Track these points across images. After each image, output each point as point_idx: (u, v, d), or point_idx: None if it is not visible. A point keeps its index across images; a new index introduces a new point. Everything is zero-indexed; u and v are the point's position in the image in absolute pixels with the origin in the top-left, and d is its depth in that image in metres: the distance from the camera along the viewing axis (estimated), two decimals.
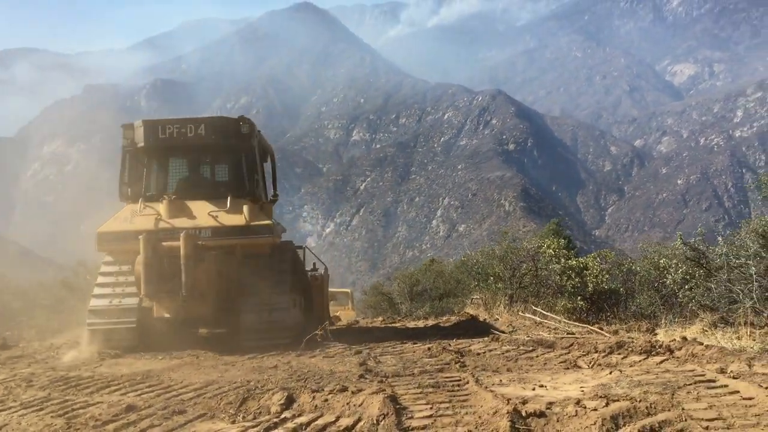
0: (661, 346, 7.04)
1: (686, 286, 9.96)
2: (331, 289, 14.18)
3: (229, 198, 9.74)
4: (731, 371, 5.76)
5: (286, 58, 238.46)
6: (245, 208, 9.65)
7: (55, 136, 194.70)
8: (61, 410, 6.18)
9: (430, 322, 12.37)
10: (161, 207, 9.72)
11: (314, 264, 13.11)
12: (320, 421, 5.35)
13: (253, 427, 5.38)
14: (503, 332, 9.53)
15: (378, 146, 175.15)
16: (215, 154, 10.74)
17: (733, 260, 9.36)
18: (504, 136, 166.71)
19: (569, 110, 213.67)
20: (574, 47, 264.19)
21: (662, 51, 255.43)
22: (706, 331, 8.61)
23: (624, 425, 4.64)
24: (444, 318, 12.85)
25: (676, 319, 10.03)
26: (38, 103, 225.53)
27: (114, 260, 9.79)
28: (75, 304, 13.50)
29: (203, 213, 9.69)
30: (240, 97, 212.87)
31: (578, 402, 5.13)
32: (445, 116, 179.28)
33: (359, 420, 5.27)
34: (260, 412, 5.73)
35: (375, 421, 5.14)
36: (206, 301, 9.28)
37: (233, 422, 5.58)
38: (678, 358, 6.70)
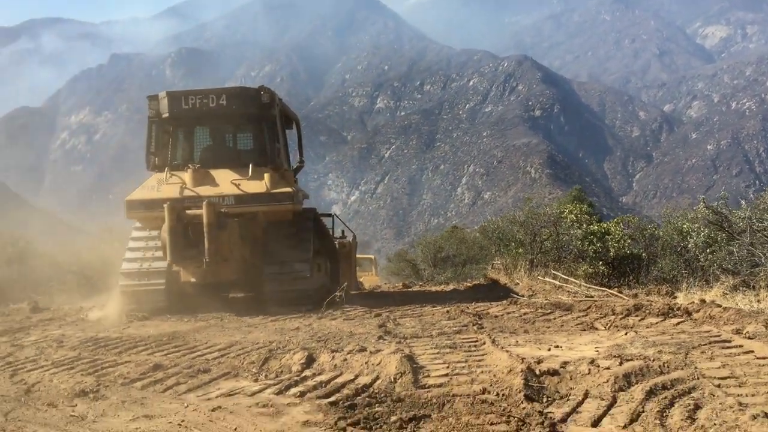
0: (678, 309, 7.07)
1: (708, 250, 9.91)
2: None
3: (251, 166, 10.00)
4: (747, 332, 5.79)
5: (310, 25, 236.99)
6: (266, 175, 9.91)
7: (82, 106, 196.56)
8: (91, 369, 6.42)
9: (451, 287, 12.50)
10: (186, 176, 10.03)
11: (342, 231, 13.54)
12: (339, 380, 5.51)
13: (275, 385, 5.55)
14: (522, 296, 9.62)
15: (402, 114, 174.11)
16: (237, 123, 11.02)
17: (756, 224, 9.29)
18: (530, 103, 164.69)
19: (597, 75, 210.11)
20: (603, 10, 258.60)
21: (693, 13, 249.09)
22: (727, 294, 8.61)
23: (636, 383, 4.71)
24: (465, 283, 12.98)
25: (697, 283, 10.02)
26: (65, 73, 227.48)
27: (143, 226, 10.16)
28: (102, 270, 13.81)
29: (226, 181, 9.97)
30: (264, 65, 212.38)
31: (592, 361, 5.22)
32: (471, 83, 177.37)
33: (377, 378, 5.41)
34: (281, 371, 5.90)
35: (392, 379, 5.27)
36: (230, 266, 9.55)
37: (255, 380, 5.76)
38: (695, 320, 6.74)
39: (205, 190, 9.83)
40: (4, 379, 6.22)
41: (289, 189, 10.07)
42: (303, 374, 5.68)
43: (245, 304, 9.93)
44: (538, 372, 4.95)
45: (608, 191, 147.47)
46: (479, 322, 7.30)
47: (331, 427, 4.51)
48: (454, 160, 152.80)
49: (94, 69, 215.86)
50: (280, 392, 5.32)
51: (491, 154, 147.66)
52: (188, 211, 9.32)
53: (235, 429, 4.60)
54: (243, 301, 10.12)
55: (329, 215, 13.58)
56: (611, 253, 12.06)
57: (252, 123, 10.87)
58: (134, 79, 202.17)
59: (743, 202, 10.17)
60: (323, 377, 5.57)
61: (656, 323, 6.69)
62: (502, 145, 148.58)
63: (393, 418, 4.53)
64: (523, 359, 5.22)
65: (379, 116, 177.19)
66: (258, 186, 9.87)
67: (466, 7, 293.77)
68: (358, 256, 16.00)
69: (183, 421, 4.79)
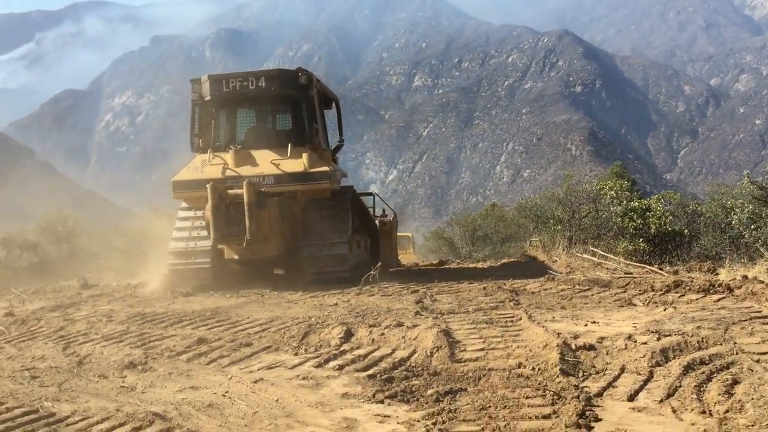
0: (720, 285, 7.00)
1: (753, 226, 9.74)
2: None
3: (289, 146, 10.25)
4: None
5: (347, 3, 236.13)
6: (304, 155, 10.16)
7: (125, 88, 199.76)
8: (139, 342, 6.65)
9: (488, 264, 12.54)
10: (228, 156, 10.31)
11: (383, 210, 13.79)
12: (377, 353, 5.62)
13: (314, 358, 5.69)
14: (560, 273, 9.61)
15: (440, 92, 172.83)
16: (276, 104, 11.32)
17: None
18: (571, 78, 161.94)
19: (640, 49, 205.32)
20: None
21: None
22: None
23: (674, 358, 4.72)
24: (502, 261, 12.99)
25: (741, 260, 9.86)
26: (108, 56, 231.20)
27: (189, 206, 10.48)
28: (148, 248, 14.16)
29: (266, 161, 10.22)
30: (302, 45, 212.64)
31: (629, 337, 5.23)
32: (510, 59, 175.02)
33: (414, 352, 5.51)
34: (321, 345, 6.04)
35: (429, 353, 5.36)
36: (270, 243, 9.82)
37: (296, 354, 5.91)
38: (737, 296, 6.67)
39: (246, 170, 10.09)
40: (58, 352, 6.49)
41: (326, 168, 10.30)
42: (341, 348, 5.81)
43: (287, 281, 10.17)
44: (574, 347, 4.98)
45: (652, 168, 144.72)
46: (516, 298, 7.33)
47: (369, 399, 4.62)
48: (493, 137, 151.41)
49: (135, 51, 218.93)
50: (319, 365, 5.46)
51: (531, 132, 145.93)
52: (230, 191, 9.57)
53: (277, 400, 4.75)
54: (286, 277, 10.31)
55: (369, 194, 13.87)
56: (652, 230, 11.91)
57: (290, 104, 11.13)
58: (175, 61, 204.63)
59: None
60: (361, 351, 5.68)
61: (696, 299, 6.64)
62: (542, 122, 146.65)
63: (429, 391, 4.62)
64: (559, 334, 5.26)
65: (416, 94, 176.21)
66: (296, 165, 10.11)
67: None
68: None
69: (227, 392, 4.96)
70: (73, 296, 10.10)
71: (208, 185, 9.49)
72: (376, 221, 13.08)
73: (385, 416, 4.30)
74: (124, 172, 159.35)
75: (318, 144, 10.89)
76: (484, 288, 8.16)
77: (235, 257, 10.00)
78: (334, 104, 12.45)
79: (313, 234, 10.14)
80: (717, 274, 8.84)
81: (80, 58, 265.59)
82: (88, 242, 16.10)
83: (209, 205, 9.45)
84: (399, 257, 16.25)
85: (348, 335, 6.07)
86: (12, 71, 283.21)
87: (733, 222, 10.15)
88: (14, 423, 4.46)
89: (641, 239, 11.89)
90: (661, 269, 9.14)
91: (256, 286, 9.90)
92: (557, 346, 4.93)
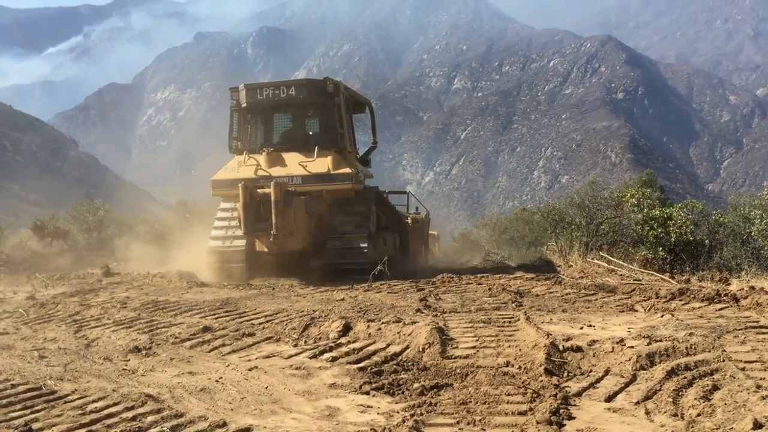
0: (726, 295, 6.95)
1: None
2: None
3: (316, 149, 11.18)
4: None
5: (389, 3, 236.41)
6: (329, 157, 11.10)
7: (168, 83, 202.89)
8: (147, 328, 6.87)
9: (502, 266, 12.58)
10: (261, 158, 11.33)
11: (416, 208, 14.79)
12: (371, 347, 5.74)
13: (311, 349, 5.84)
14: (570, 277, 9.59)
15: (480, 95, 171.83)
16: (306, 111, 12.28)
17: None
18: (612, 85, 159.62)
19: (685, 57, 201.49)
20: None
21: None
22: None
23: (659, 362, 4.74)
24: (518, 263, 13.02)
25: (757, 271, 9.71)
26: (153, 51, 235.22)
27: (228, 202, 11.36)
28: (174, 239, 14.49)
29: (295, 163, 11.19)
30: (342, 45, 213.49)
31: (620, 341, 5.24)
32: (551, 63, 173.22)
33: (407, 347, 5.61)
34: (320, 338, 6.18)
35: (421, 349, 5.46)
36: (296, 238, 10.60)
37: (295, 345, 6.06)
38: (741, 306, 6.62)
39: (276, 171, 11.06)
40: (69, 335, 6.73)
41: (349, 169, 11.14)
42: (338, 341, 5.94)
43: (318, 273, 10.70)
44: (561, 348, 5.03)
45: (693, 178, 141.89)
46: (519, 300, 7.37)
47: (356, 390, 4.74)
48: (532, 142, 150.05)
49: (179, 47, 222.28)
50: (314, 356, 5.59)
51: (570, 138, 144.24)
52: (259, 190, 10.39)
53: (267, 387, 4.89)
54: (318, 269, 10.83)
55: (404, 193, 15.14)
56: (672, 239, 11.78)
57: (318, 110, 12.06)
58: (217, 58, 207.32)
59: None
60: (357, 344, 5.80)
61: (698, 308, 6.61)
62: (582, 128, 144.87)
63: (416, 385, 4.72)
64: (548, 335, 5.30)
65: (455, 97, 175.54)
66: (322, 167, 11.02)
67: None
68: None
69: (221, 378, 5.12)
70: (93, 283, 10.41)
71: (239, 184, 10.34)
72: (408, 219, 13.92)
73: (368, 407, 4.41)
74: (164, 166, 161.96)
75: (344, 147, 11.70)
76: (490, 289, 8.21)
77: (265, 250, 10.78)
78: (366, 108, 13.53)
79: (336, 230, 10.95)
80: (728, 284, 8.75)
81: (126, 53, 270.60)
82: (117, 232, 16.50)
83: (240, 202, 10.28)
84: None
85: (346, 329, 6.19)
86: (59, 63, 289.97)
87: (753, 233, 10.02)
88: (17, 399, 4.68)
89: (661, 248, 11.77)
90: (673, 278, 9.07)
91: (284, 276, 10.66)
92: (544, 346, 4.98)
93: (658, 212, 12.21)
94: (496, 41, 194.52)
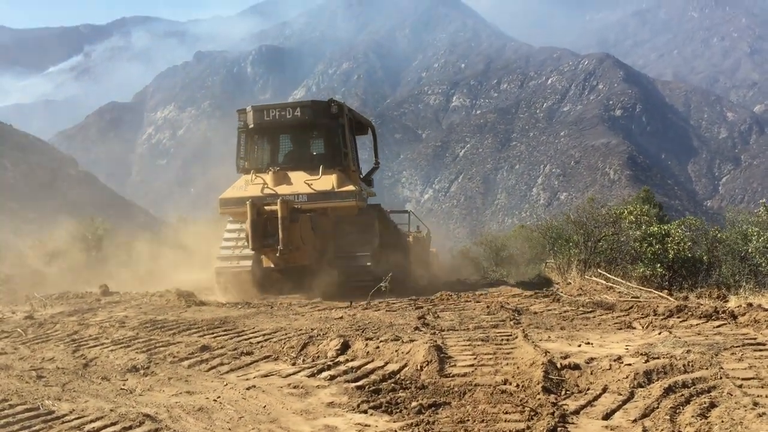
0: (724, 312, 6.96)
1: None
2: None
3: (321, 168, 11.55)
4: None
5: (388, 22, 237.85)
6: (334, 176, 11.46)
7: (168, 102, 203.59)
8: (145, 347, 6.86)
9: (501, 284, 12.57)
10: (267, 177, 11.69)
11: (418, 227, 15.04)
12: (370, 366, 5.73)
13: (310, 368, 5.83)
14: (568, 295, 9.59)
15: (478, 112, 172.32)
16: (310, 131, 12.63)
17: None
18: (610, 102, 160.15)
19: (683, 74, 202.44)
20: (690, 7, 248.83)
21: None
22: None
23: (657, 380, 4.75)
24: (517, 280, 13.02)
25: (755, 287, 9.72)
26: (153, 70, 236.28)
27: (236, 220, 11.76)
28: (173, 258, 14.48)
29: (300, 181, 11.55)
30: (342, 63, 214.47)
31: (618, 358, 5.25)
32: (549, 81, 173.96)
33: (405, 366, 5.61)
34: (318, 356, 6.17)
35: (419, 367, 5.46)
36: (301, 254, 10.90)
37: (293, 364, 6.06)
38: (739, 323, 6.63)
39: (282, 189, 11.42)
40: (67, 354, 6.72)
41: (352, 187, 11.49)
42: (336, 360, 5.94)
43: (323, 289, 10.90)
44: (559, 365, 5.03)
45: (692, 194, 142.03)
46: (517, 318, 7.38)
47: (354, 409, 4.74)
48: (530, 159, 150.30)
49: (179, 66, 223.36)
50: (312, 375, 5.59)
51: (569, 155, 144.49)
52: (266, 207, 10.77)
53: (264, 406, 4.89)
54: (323, 285, 10.99)
55: (405, 212, 15.47)
56: (670, 256, 11.80)
57: (323, 130, 12.37)
58: (217, 76, 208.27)
59: None
60: (355, 363, 5.80)
61: (696, 325, 6.62)
62: (580, 145, 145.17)
63: (413, 404, 4.72)
64: (546, 353, 5.30)
65: (454, 114, 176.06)
66: (326, 185, 11.39)
67: (548, 4, 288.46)
68: None
69: (219, 397, 5.12)
70: (92, 302, 10.40)
71: (247, 202, 10.70)
72: (410, 237, 14.21)
73: (366, 425, 4.40)
74: (164, 184, 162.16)
75: (347, 166, 12.09)
76: (488, 307, 8.21)
77: (272, 265, 11.17)
78: (369, 130, 13.84)
79: (340, 248, 11.24)
80: (726, 300, 8.75)
81: (126, 72, 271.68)
82: (115, 251, 16.50)
83: (248, 219, 10.64)
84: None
85: (345, 347, 6.19)
86: (60, 82, 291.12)
87: (750, 249, 10.05)
88: (14, 419, 4.67)
89: (659, 265, 11.79)
90: (671, 295, 9.08)
91: (291, 291, 11.01)
92: (542, 364, 4.98)
93: (656, 229, 12.23)
94: (494, 59, 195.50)
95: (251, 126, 12.13)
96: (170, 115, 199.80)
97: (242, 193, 11.54)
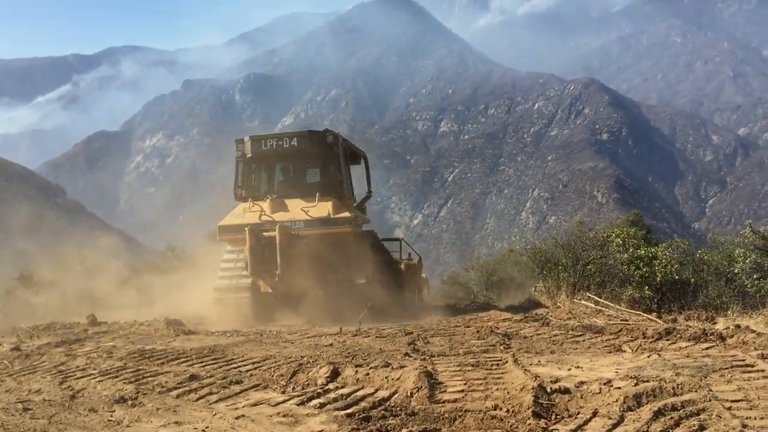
0: (712, 334, 6.99)
1: (755, 276, 9.69)
2: None
3: (317, 195, 11.86)
4: None
5: (375, 49, 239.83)
6: (330, 203, 11.77)
7: (156, 130, 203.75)
8: (133, 378, 6.80)
9: (491, 308, 12.59)
10: (265, 204, 11.98)
11: (409, 254, 15.27)
12: (360, 393, 5.70)
13: (299, 396, 5.79)
14: (558, 319, 9.61)
15: (466, 137, 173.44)
16: (306, 160, 12.97)
17: None
18: (597, 126, 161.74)
19: (667, 98, 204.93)
20: (673, 32, 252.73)
21: None
22: None
23: (647, 403, 4.75)
24: (506, 304, 13.03)
25: (742, 309, 9.78)
26: (142, 99, 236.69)
27: (233, 248, 12.04)
28: (161, 286, 14.42)
29: (297, 208, 11.83)
30: (330, 90, 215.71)
31: (608, 382, 5.25)
32: (536, 106, 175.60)
33: (395, 392, 5.59)
34: (308, 384, 6.14)
35: (409, 394, 5.44)
36: (300, 278, 11.11)
37: (283, 392, 6.02)
38: (727, 345, 6.65)
39: (279, 216, 11.73)
40: (54, 386, 6.65)
41: (348, 214, 11.83)
42: (326, 387, 5.90)
43: (315, 313, 11.10)
44: (549, 390, 5.03)
45: (679, 217, 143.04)
46: (507, 342, 7.38)
47: None
48: (519, 184, 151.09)
49: (167, 95, 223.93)
50: (302, 403, 5.55)
51: (556, 179, 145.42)
52: (265, 233, 11.20)
53: None
54: (314, 310, 11.17)
55: (397, 239, 15.76)
56: (658, 278, 11.87)
57: (319, 160, 12.76)
58: (205, 104, 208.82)
59: None
60: (345, 390, 5.77)
61: (685, 347, 6.64)
62: (568, 169, 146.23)
63: (404, 431, 4.69)
64: (536, 377, 5.30)
65: (442, 140, 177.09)
66: (322, 212, 11.70)
67: (533, 31, 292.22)
68: None
69: (207, 427, 5.07)
70: (79, 332, 10.31)
71: (246, 228, 11.16)
72: (402, 264, 14.41)
73: None
74: (152, 213, 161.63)
75: (342, 194, 12.41)
76: (478, 331, 8.21)
77: (269, 290, 11.49)
78: (362, 160, 14.13)
79: (336, 273, 11.44)
80: (715, 322, 8.79)
81: (115, 100, 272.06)
82: (104, 281, 16.39)
83: (247, 245, 11.10)
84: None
85: (335, 374, 6.17)
86: (48, 112, 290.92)
87: (737, 271, 10.13)
88: None
89: (647, 287, 11.85)
90: (660, 317, 9.12)
91: (287, 316, 11.23)
92: (532, 389, 4.98)
93: (643, 252, 12.31)
94: (481, 85, 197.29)
95: (249, 155, 12.41)
96: (159, 143, 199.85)
97: (240, 220, 11.82)
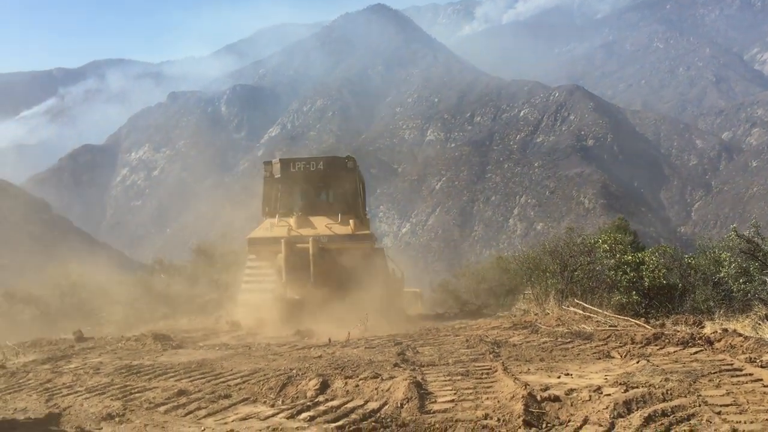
0: (700, 338, 7.01)
1: (740, 280, 9.73)
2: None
3: (339, 214, 13.27)
4: (761, 361, 5.72)
5: (361, 60, 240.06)
6: (351, 221, 13.16)
7: (142, 143, 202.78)
8: (121, 394, 6.73)
9: (479, 316, 12.59)
10: (291, 220, 13.25)
11: (393, 269, 15.98)
12: (350, 405, 5.67)
13: (289, 409, 5.75)
14: (546, 325, 9.60)
15: (453, 145, 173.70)
16: (329, 182, 14.31)
17: None
18: (582, 132, 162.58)
19: (651, 104, 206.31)
20: (656, 38, 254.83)
21: (751, 39, 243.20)
22: (759, 324, 8.42)
23: (637, 409, 4.75)
24: (495, 313, 13.04)
25: (728, 313, 9.82)
26: (128, 111, 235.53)
27: (256, 258, 13.17)
28: (148, 300, 14.33)
29: (321, 224, 13.18)
30: (316, 100, 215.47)
31: (598, 389, 5.25)
32: (521, 113, 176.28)
33: (386, 404, 5.56)
34: (297, 397, 6.09)
35: (399, 405, 5.41)
36: (329, 286, 11.99)
37: (272, 405, 5.97)
38: (715, 349, 6.67)
39: (306, 231, 12.97)
40: (40, 404, 6.57)
41: (368, 231, 13.47)
42: (316, 399, 5.87)
43: (335, 320, 11.48)
44: (539, 398, 5.02)
45: (666, 221, 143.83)
46: (496, 351, 7.36)
47: None
48: (506, 191, 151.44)
49: (153, 107, 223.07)
50: (291, 416, 5.51)
51: (543, 185, 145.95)
52: (298, 245, 12.39)
53: None
54: (335, 317, 11.65)
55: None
56: (646, 283, 11.90)
57: (340, 182, 14.09)
58: (191, 116, 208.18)
59: None
60: (335, 402, 5.73)
61: (673, 352, 6.65)
62: (555, 175, 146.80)
63: None
64: (526, 386, 5.29)
65: (429, 148, 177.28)
66: (345, 228, 13.05)
67: (517, 39, 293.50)
68: (406, 289, 17.79)
69: None
70: (66, 349, 10.20)
71: (282, 240, 12.39)
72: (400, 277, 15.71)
73: None
74: (139, 226, 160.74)
75: (359, 213, 13.89)
76: (467, 340, 8.19)
77: (296, 297, 12.43)
78: (362, 185, 15.22)
79: (357, 282, 12.22)
80: (702, 327, 8.82)
81: (101, 113, 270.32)
82: (90, 296, 16.25)
83: (282, 255, 12.27)
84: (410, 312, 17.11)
85: (324, 387, 6.13)
86: (34, 126, 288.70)
87: (722, 275, 10.17)
88: None
89: (635, 292, 11.87)
90: (647, 323, 9.13)
91: (314, 321, 11.61)
92: (522, 397, 4.97)
93: (630, 257, 12.35)
94: (467, 93, 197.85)
95: (278, 176, 13.77)
96: (145, 156, 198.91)
97: (269, 233, 13.01)
